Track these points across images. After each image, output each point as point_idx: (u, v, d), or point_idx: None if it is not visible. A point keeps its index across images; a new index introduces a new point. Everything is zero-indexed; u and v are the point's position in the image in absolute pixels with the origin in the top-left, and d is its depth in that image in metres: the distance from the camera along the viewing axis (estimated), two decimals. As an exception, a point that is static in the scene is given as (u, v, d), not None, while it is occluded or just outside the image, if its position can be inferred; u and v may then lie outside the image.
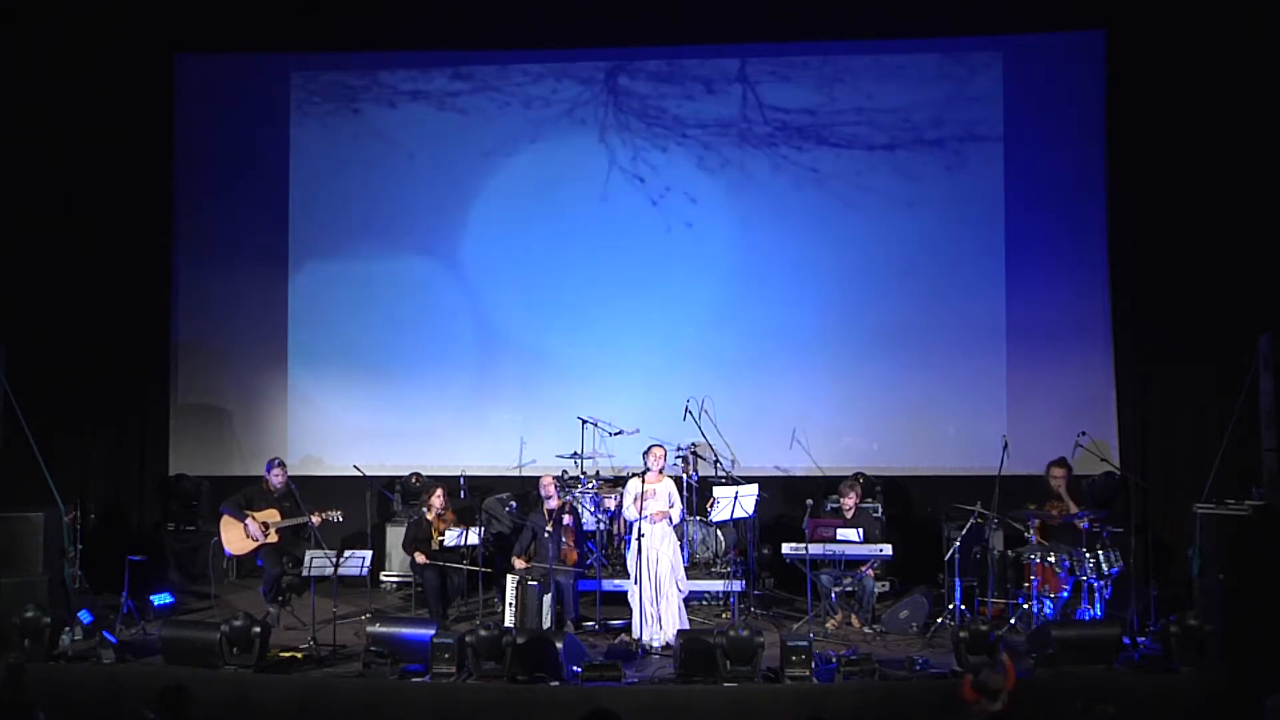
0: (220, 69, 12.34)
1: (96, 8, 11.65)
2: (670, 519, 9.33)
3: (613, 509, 10.79)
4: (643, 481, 9.33)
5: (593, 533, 10.62)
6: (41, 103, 11.47)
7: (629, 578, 9.41)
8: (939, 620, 9.62)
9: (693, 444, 11.02)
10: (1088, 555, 9.43)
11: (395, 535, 11.13)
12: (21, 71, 11.33)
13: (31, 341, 11.13)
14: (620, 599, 9.90)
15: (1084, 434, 10.19)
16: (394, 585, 11.37)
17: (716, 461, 11.07)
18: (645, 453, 9.50)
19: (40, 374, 11.27)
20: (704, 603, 10.51)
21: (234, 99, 12.35)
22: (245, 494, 10.32)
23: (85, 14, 11.59)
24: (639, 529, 9.21)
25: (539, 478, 10.49)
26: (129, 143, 12.00)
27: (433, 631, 8.42)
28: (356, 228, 12.30)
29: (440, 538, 10.12)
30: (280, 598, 10.20)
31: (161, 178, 12.26)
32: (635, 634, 9.24)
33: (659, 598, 9.17)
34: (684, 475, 10.84)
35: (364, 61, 12.32)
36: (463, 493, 11.56)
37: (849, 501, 10.24)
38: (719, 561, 10.68)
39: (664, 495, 9.37)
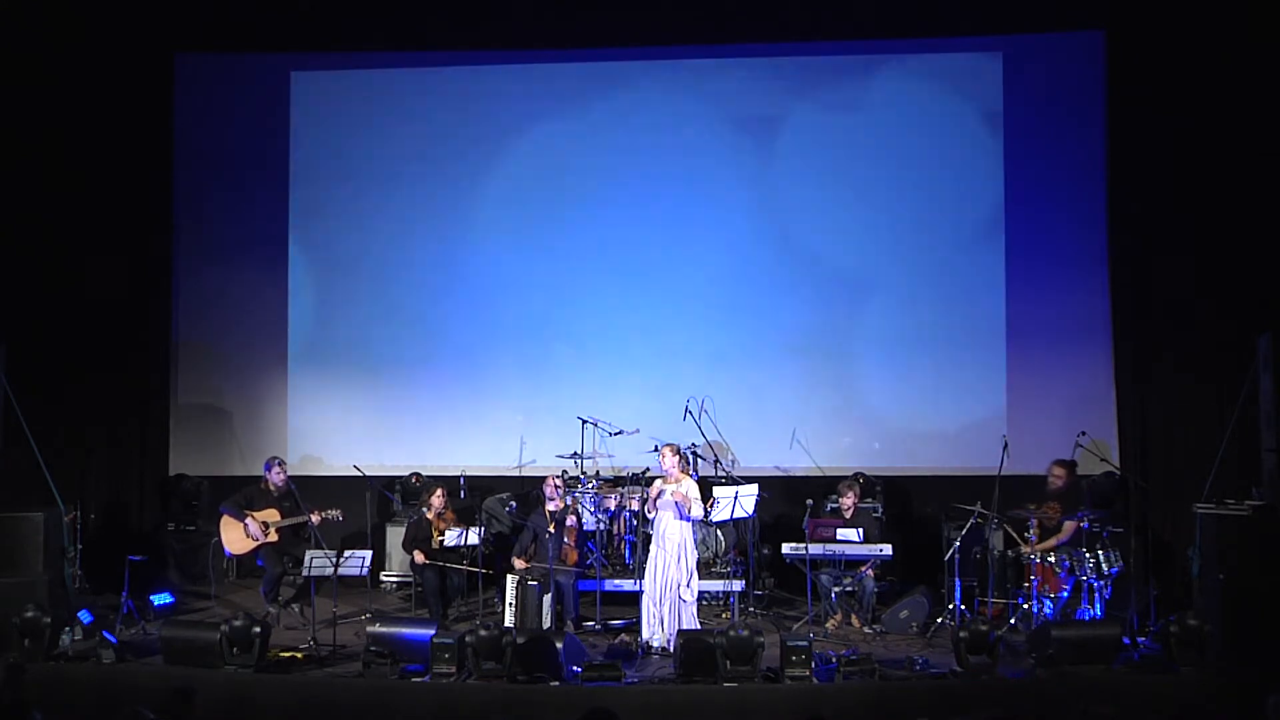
0: (220, 69, 12.33)
1: (96, 8, 11.63)
2: (679, 511, 9.06)
3: (613, 509, 10.79)
4: (663, 483, 9.25)
5: (593, 533, 10.61)
6: (42, 103, 11.45)
7: (629, 578, 9.36)
8: (939, 620, 9.63)
9: (693, 444, 11.00)
10: (1088, 555, 9.42)
11: (395, 535, 11.13)
12: (21, 71, 11.31)
13: (32, 341, 11.13)
14: (620, 599, 9.87)
15: (1084, 434, 10.21)
16: (394, 585, 11.36)
17: (716, 461, 11.06)
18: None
19: (40, 374, 11.26)
20: (704, 603, 10.48)
21: (234, 99, 12.34)
22: (245, 494, 10.33)
23: (85, 14, 11.57)
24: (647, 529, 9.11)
25: (542, 478, 10.50)
26: (129, 143, 11.99)
27: (433, 631, 8.42)
28: (356, 227, 12.29)
29: (440, 538, 10.13)
30: (279, 598, 10.21)
31: (161, 178, 12.25)
32: (642, 634, 9.19)
33: (663, 599, 9.14)
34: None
35: (364, 61, 12.30)
36: (463, 493, 11.55)
37: (848, 501, 10.26)
38: (719, 561, 10.66)
39: (676, 495, 9.16)
